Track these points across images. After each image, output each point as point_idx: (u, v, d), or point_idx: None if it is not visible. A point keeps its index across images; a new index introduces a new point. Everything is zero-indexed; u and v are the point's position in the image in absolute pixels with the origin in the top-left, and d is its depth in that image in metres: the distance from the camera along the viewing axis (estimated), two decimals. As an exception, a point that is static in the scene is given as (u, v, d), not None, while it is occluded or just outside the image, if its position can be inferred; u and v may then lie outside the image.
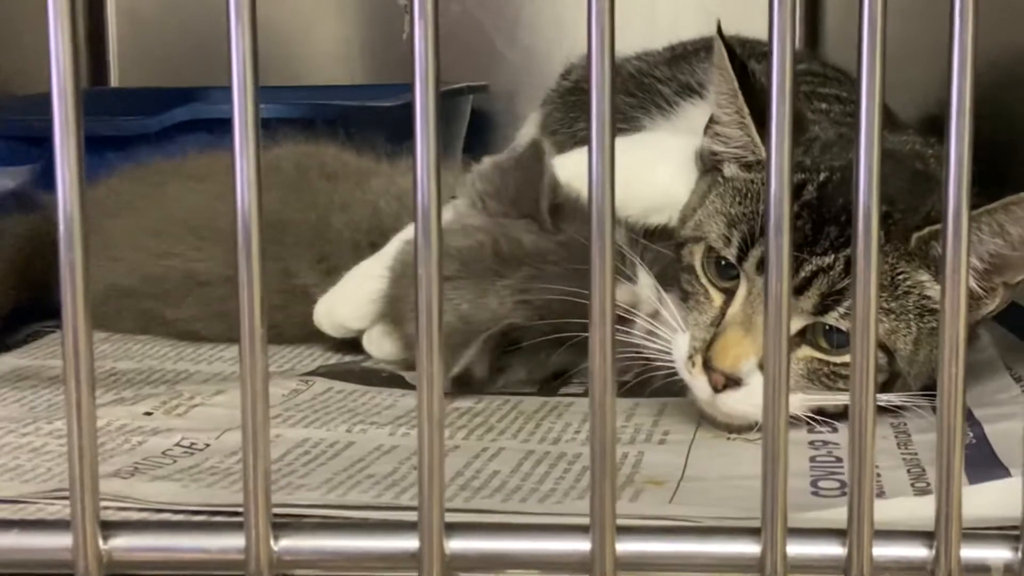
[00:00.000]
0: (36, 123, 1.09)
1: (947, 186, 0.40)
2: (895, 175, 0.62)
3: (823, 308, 0.60)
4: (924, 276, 0.61)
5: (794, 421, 0.60)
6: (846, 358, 0.60)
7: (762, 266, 0.60)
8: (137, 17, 1.48)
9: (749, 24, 1.08)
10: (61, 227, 0.39)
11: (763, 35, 1.12)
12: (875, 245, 0.41)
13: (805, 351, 0.61)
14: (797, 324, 0.60)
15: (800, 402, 0.61)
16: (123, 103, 1.22)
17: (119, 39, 1.47)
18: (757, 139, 0.65)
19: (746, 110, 0.65)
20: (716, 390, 0.61)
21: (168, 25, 1.46)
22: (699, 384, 0.61)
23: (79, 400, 0.39)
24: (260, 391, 0.40)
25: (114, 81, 1.46)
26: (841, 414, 0.61)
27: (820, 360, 0.61)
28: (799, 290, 0.60)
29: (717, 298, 0.64)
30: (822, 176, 0.64)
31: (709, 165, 0.69)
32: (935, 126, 0.81)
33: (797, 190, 0.63)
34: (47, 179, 0.94)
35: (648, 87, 0.91)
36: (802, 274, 0.60)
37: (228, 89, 1.29)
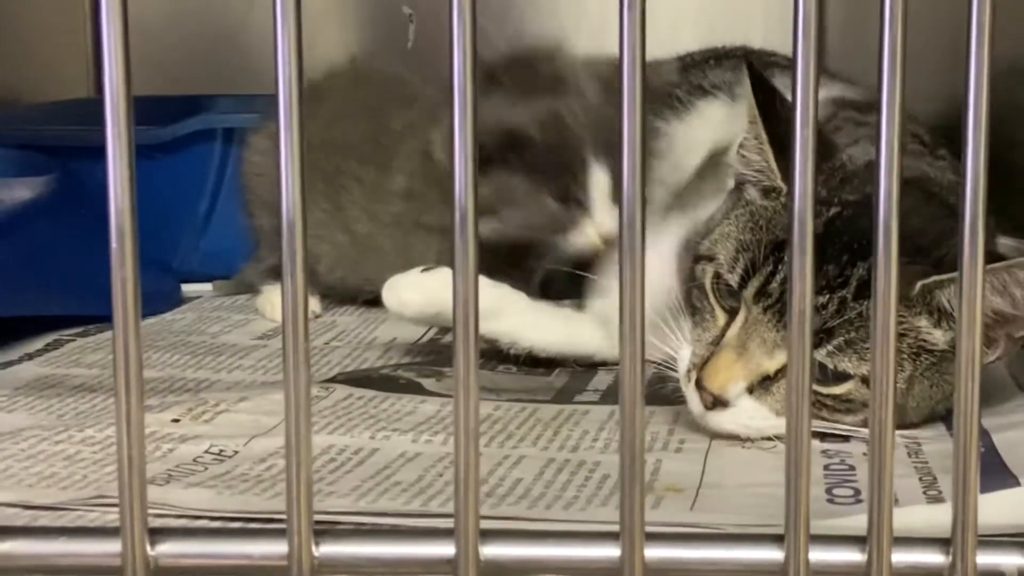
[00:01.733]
0: (49, 132, 1.11)
1: (963, 214, 0.41)
2: (913, 209, 0.62)
3: (814, 344, 0.60)
4: (922, 322, 0.62)
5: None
6: (835, 390, 0.62)
7: (760, 295, 0.63)
8: (142, 26, 1.48)
9: (747, 34, 1.10)
10: (113, 237, 0.40)
11: (765, 44, 1.13)
12: (895, 270, 0.42)
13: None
14: (784, 357, 0.61)
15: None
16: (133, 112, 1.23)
17: (127, 47, 1.48)
18: (774, 166, 0.67)
19: (764, 136, 0.66)
20: (707, 408, 0.63)
21: (173, 34, 1.47)
22: (693, 399, 0.64)
23: (128, 409, 0.41)
24: (303, 399, 0.41)
25: (121, 89, 1.47)
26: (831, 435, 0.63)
27: (839, 397, 0.63)
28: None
29: (721, 318, 0.66)
30: (832, 211, 0.64)
31: (737, 181, 0.71)
32: (945, 137, 0.82)
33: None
34: (65, 190, 0.97)
35: (658, 89, 0.93)
36: None
37: (237, 98, 1.31)
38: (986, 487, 0.51)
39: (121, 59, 0.41)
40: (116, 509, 0.42)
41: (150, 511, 0.45)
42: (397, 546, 0.43)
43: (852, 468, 0.59)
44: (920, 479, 0.57)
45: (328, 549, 0.42)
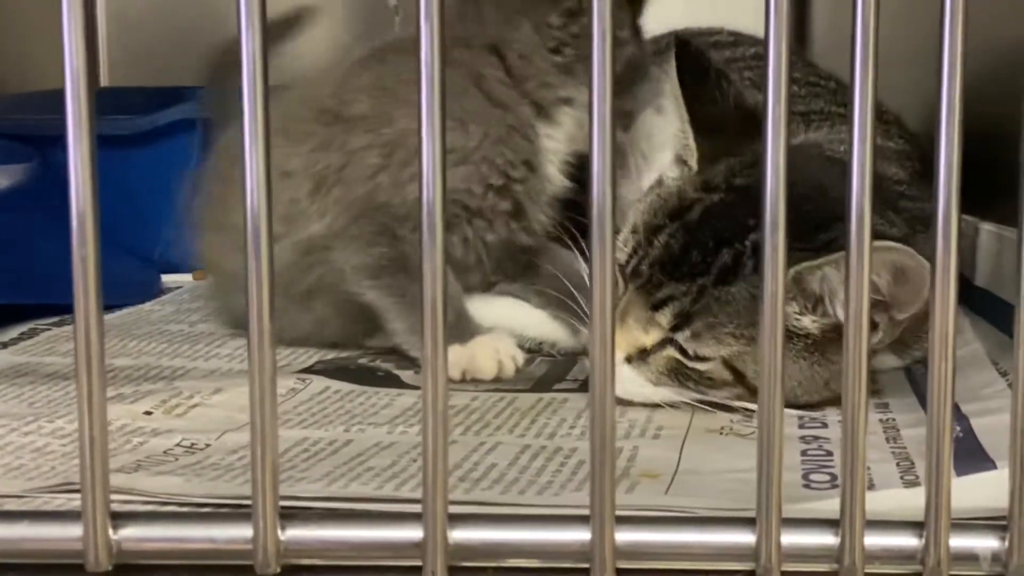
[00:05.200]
0: (28, 121, 1.10)
1: (937, 194, 0.41)
2: (811, 189, 0.63)
3: (675, 327, 0.65)
4: (792, 308, 0.63)
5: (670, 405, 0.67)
6: (698, 366, 0.65)
7: (635, 275, 0.67)
8: (126, 17, 1.48)
9: (741, 18, 1.09)
10: (74, 223, 0.40)
11: (753, 28, 1.14)
12: (867, 250, 0.42)
13: (669, 352, 0.66)
14: (657, 335, 0.65)
15: (667, 392, 0.67)
16: (113, 102, 1.22)
17: (108, 39, 1.47)
18: (692, 144, 0.69)
19: (687, 116, 0.69)
20: None
21: (156, 25, 1.47)
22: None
23: (90, 393, 0.40)
24: (268, 384, 0.41)
25: (103, 81, 1.46)
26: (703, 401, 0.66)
27: (679, 362, 0.66)
28: (656, 306, 0.65)
29: (621, 288, 0.68)
30: (715, 198, 0.67)
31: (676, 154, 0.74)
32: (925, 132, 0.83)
33: (685, 210, 0.67)
34: (43, 178, 0.96)
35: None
36: (658, 295, 0.65)
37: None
38: (963, 471, 0.51)
39: (81, 41, 0.40)
40: (80, 496, 0.42)
41: (116, 498, 0.45)
42: (364, 530, 0.43)
43: (829, 454, 0.58)
44: (898, 464, 0.56)
45: (294, 533, 0.42)
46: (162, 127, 1.11)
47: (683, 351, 0.65)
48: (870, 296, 0.60)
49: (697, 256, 0.64)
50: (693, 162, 0.69)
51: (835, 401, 0.65)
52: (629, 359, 0.66)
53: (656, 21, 1.17)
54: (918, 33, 0.83)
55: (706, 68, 0.70)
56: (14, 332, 0.84)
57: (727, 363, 0.64)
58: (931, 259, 0.41)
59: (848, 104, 0.42)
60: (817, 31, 1.32)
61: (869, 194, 0.41)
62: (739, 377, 0.64)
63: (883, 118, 0.83)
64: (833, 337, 0.63)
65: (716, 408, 0.65)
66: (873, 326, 0.63)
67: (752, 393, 0.64)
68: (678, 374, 0.66)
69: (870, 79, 0.41)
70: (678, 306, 0.64)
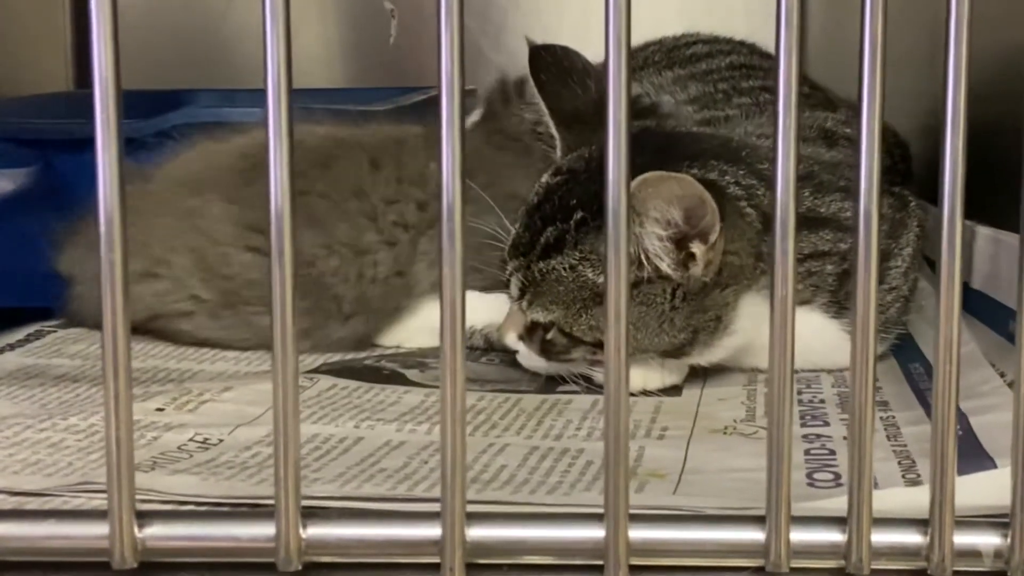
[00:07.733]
0: (29, 125, 1.10)
1: (942, 200, 0.42)
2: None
3: (520, 299, 0.72)
4: (590, 272, 0.68)
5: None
6: (547, 336, 0.71)
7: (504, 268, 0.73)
8: (122, 20, 1.48)
9: (732, 24, 1.11)
10: (102, 227, 0.40)
11: (741, 34, 1.16)
12: (875, 249, 0.43)
13: (554, 334, 0.71)
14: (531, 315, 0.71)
15: (550, 366, 0.73)
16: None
17: (105, 41, 1.48)
18: (556, 135, 0.77)
19: (546, 110, 0.77)
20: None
21: (155, 28, 1.47)
22: None
23: (117, 395, 0.41)
24: (291, 383, 0.42)
25: (101, 83, 1.47)
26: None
27: (540, 335, 0.71)
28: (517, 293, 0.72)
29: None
30: (555, 181, 0.73)
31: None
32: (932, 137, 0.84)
33: (534, 195, 0.73)
34: (46, 181, 0.96)
35: None
36: (507, 274, 0.72)
37: (218, 92, 1.30)
38: (964, 469, 0.52)
39: (110, 51, 0.41)
40: (101, 496, 0.43)
41: (136, 497, 0.46)
42: (384, 528, 0.44)
43: (832, 452, 0.59)
44: (899, 463, 0.57)
45: (315, 531, 0.43)
46: (164, 131, 1.11)
47: (533, 321, 0.71)
48: (673, 229, 0.66)
49: (526, 235, 0.71)
50: (558, 151, 0.76)
51: (667, 350, 0.69)
52: (521, 337, 0.73)
53: (653, 24, 1.19)
54: (913, 37, 0.85)
55: (568, 68, 0.77)
56: (20, 334, 0.85)
57: (560, 329, 0.70)
58: (935, 265, 0.43)
59: (855, 111, 0.43)
60: (811, 37, 1.34)
61: (877, 199, 0.42)
62: (574, 340, 0.70)
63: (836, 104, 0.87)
64: (651, 278, 0.68)
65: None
66: (691, 257, 0.67)
67: (580, 343, 0.70)
68: (543, 346, 0.71)
69: (878, 88, 0.42)
70: (518, 281, 0.71)
